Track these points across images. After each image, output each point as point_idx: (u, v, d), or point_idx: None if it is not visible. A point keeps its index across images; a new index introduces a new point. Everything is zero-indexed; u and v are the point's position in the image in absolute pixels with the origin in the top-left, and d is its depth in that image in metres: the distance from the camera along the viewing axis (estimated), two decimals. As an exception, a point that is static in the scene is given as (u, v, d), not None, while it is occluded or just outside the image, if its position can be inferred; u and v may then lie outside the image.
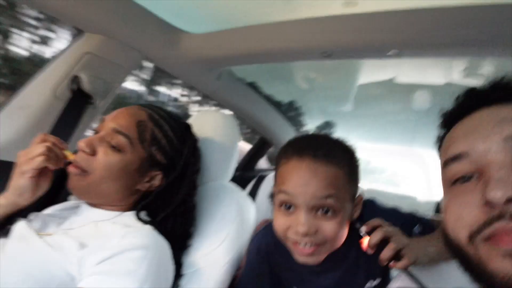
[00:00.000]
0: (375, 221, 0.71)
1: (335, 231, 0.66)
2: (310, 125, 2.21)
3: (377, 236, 0.67)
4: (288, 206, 0.67)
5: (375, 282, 0.77)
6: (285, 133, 2.03)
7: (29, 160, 0.70)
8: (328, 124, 2.16)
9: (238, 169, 2.07)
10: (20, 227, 0.73)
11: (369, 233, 0.70)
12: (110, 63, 1.08)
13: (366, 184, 2.15)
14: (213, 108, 1.23)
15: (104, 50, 1.05)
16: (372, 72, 1.45)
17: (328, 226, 0.65)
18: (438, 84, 1.28)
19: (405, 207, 0.84)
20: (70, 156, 0.75)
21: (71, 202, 0.90)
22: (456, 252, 0.39)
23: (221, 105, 1.59)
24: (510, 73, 0.44)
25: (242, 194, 1.02)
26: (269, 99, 1.77)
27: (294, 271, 0.80)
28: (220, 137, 1.03)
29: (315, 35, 0.93)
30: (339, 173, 0.66)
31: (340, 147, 0.72)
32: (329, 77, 1.59)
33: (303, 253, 0.67)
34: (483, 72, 1.20)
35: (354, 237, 0.72)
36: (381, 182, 2.64)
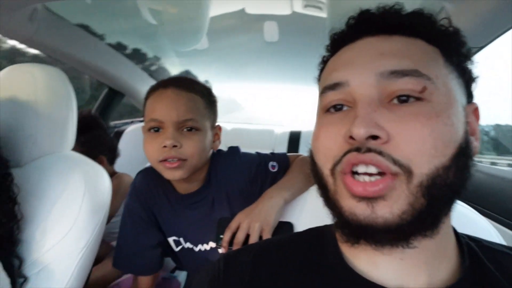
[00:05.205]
0: (231, 225, 0.72)
1: (196, 146, 0.76)
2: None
3: (239, 238, 0.69)
4: (156, 129, 0.76)
5: None
6: (137, 78, 1.81)
7: None
8: (188, 73, 2.22)
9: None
10: None
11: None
12: None
13: (229, 125, 2.18)
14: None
15: None
16: (222, 2, 1.37)
17: (190, 142, 0.75)
18: (285, 14, 1.29)
19: (263, 140, 0.89)
20: None
21: None
22: (318, 181, 0.40)
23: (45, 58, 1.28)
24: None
25: (88, 162, 0.85)
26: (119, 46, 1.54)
27: (166, 208, 0.86)
28: (46, 98, 0.80)
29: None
30: (199, 99, 0.79)
31: (199, 83, 0.84)
32: (179, 9, 1.45)
33: (170, 167, 0.75)
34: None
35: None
36: (241, 119, 2.71)
